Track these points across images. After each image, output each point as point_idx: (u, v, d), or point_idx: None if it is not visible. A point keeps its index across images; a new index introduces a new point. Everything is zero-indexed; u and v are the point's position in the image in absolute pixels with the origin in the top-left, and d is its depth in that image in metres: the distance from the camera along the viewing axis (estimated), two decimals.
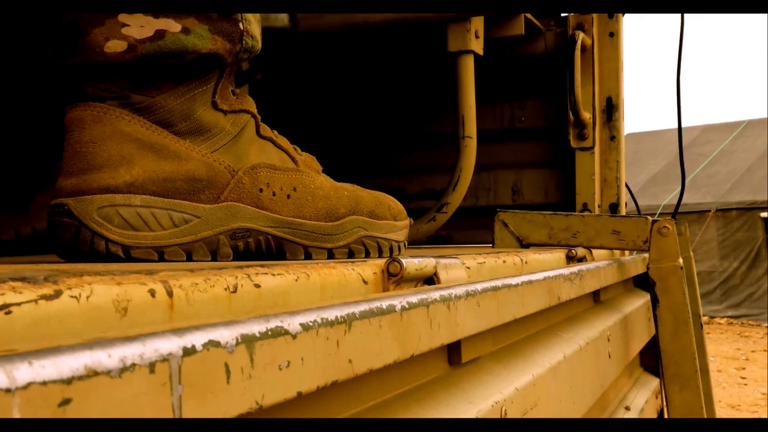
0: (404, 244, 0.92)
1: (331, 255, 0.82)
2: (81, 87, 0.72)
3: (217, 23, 0.75)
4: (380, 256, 0.87)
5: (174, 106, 0.73)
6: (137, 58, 0.70)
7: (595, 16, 2.00)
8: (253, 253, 0.77)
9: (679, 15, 2.14)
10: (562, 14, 2.01)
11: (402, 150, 2.25)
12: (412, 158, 2.23)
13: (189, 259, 0.72)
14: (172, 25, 0.72)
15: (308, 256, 0.80)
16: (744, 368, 6.27)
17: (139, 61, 0.71)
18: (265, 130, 0.81)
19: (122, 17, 0.70)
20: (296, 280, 0.54)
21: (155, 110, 0.72)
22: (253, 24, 0.79)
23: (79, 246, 0.68)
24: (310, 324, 0.41)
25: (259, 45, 0.80)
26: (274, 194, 0.78)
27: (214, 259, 0.74)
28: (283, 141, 0.83)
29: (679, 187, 2.27)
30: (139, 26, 0.70)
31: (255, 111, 0.81)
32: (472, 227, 2.11)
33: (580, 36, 1.90)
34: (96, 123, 0.70)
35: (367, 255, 0.85)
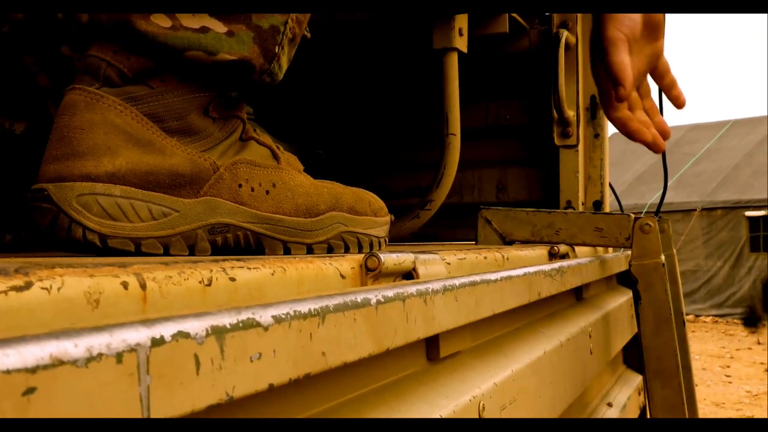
0: (385, 240, 0.92)
1: (310, 250, 0.82)
2: (102, 53, 0.72)
3: (262, 33, 0.77)
4: (360, 251, 0.87)
5: (170, 102, 0.74)
6: (168, 41, 0.72)
7: (579, 14, 2.00)
8: (231, 248, 0.77)
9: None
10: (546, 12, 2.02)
11: (386, 147, 2.25)
12: (397, 155, 2.24)
13: (166, 252, 0.72)
14: (219, 26, 0.74)
15: (287, 252, 0.80)
16: (728, 366, 6.31)
17: (167, 46, 0.72)
18: (247, 131, 0.82)
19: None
20: (272, 274, 0.54)
21: (150, 101, 0.73)
22: (285, 56, 0.81)
23: (57, 232, 0.68)
24: (283, 316, 0.41)
25: (280, 77, 0.81)
26: (252, 190, 0.78)
27: (191, 254, 0.74)
28: (265, 138, 0.83)
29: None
30: (188, 17, 0.73)
31: (244, 116, 0.81)
32: (456, 225, 2.12)
33: (564, 34, 1.91)
34: (88, 109, 0.70)
35: (347, 250, 0.86)
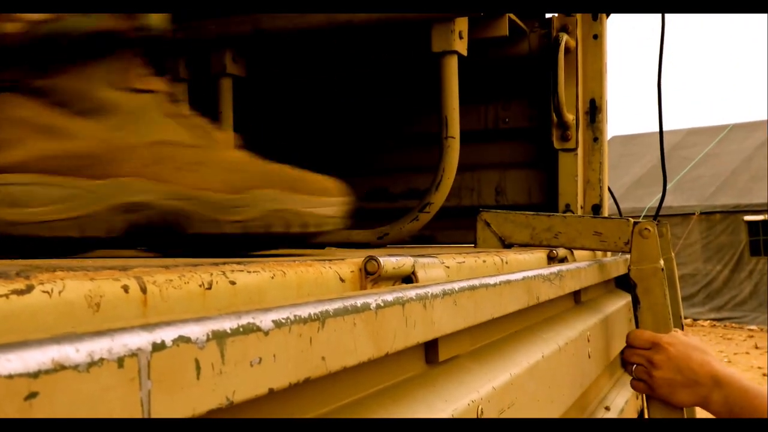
0: (333, 219, 0.86)
1: (245, 228, 0.79)
2: None
3: None
4: (303, 230, 0.83)
5: (72, 88, 0.73)
6: (37, 39, 0.70)
7: (579, 17, 2.00)
8: (155, 226, 0.76)
9: (661, 17, 2.15)
10: (547, 15, 2.02)
11: (386, 149, 2.25)
12: (397, 158, 2.24)
13: (82, 234, 0.71)
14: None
15: (217, 229, 0.78)
16: None
17: (38, 43, 0.70)
18: (175, 108, 0.80)
19: None
20: (272, 278, 0.54)
21: (52, 93, 0.72)
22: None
23: None
24: (283, 321, 0.41)
25: (160, 23, 0.78)
26: (176, 168, 0.77)
27: (108, 234, 0.73)
28: (195, 119, 0.81)
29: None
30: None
31: (164, 89, 0.79)
32: (455, 227, 2.12)
33: (564, 38, 1.91)
34: None
35: (288, 229, 0.82)
